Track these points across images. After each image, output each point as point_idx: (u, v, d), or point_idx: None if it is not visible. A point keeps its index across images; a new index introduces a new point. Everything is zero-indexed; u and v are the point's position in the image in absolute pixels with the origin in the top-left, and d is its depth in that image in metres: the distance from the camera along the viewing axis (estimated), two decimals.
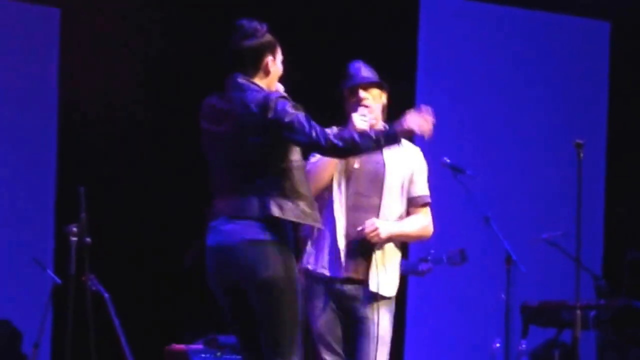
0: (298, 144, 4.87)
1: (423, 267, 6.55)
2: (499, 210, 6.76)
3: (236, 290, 4.98)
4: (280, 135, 4.83)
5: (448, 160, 6.16)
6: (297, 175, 4.93)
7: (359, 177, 5.49)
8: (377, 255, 5.42)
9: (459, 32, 9.21)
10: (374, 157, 5.47)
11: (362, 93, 5.48)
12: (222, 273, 4.99)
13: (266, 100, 4.86)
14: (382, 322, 5.43)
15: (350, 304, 5.42)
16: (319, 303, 5.46)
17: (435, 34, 9.16)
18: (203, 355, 7.39)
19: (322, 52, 8.39)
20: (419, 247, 6.76)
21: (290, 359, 4.98)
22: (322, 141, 4.83)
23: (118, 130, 8.63)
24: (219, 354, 7.39)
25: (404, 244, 5.65)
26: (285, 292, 4.92)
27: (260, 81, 4.98)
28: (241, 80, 4.94)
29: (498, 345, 7.34)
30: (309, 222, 4.98)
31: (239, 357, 6.63)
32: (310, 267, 5.45)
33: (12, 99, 8.52)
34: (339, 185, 5.49)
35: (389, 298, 5.44)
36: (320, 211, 5.26)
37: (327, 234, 5.46)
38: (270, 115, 4.82)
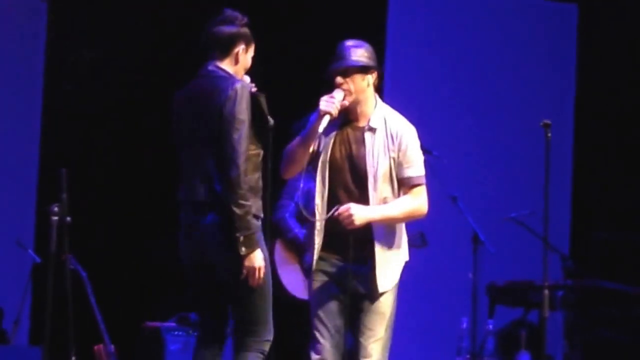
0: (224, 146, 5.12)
1: None
2: (467, 190, 6.86)
3: (208, 267, 5.18)
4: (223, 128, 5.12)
5: None
6: (247, 165, 5.14)
7: (343, 170, 5.44)
8: (380, 250, 5.42)
9: (426, 16, 9.27)
10: (356, 148, 5.43)
11: (339, 79, 5.38)
12: (196, 250, 5.19)
13: (229, 88, 5.09)
14: (385, 299, 5.46)
15: (355, 283, 5.43)
16: (318, 283, 5.49)
17: (403, 22, 9.19)
18: (176, 333, 7.53)
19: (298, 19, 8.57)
20: None
21: (264, 338, 5.18)
22: (233, 173, 5.07)
23: (99, 115, 8.68)
24: (190, 331, 7.46)
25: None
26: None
27: (228, 67, 5.19)
28: (211, 67, 5.17)
29: (465, 325, 7.35)
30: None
31: None
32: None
33: None
34: (322, 177, 5.44)
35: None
36: (309, 203, 5.49)
37: (311, 227, 5.50)
38: (226, 105, 5.07)
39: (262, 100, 5.13)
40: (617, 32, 9.26)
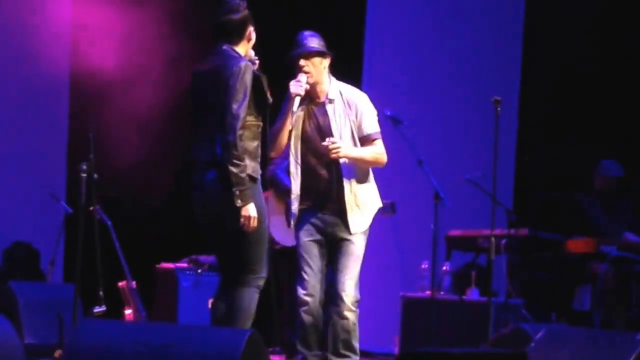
0: (225, 114, 5.28)
1: None
2: (430, 155, 7.00)
3: (214, 216, 5.42)
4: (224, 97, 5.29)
5: (389, 113, 6.43)
6: (246, 133, 5.33)
7: (312, 140, 5.83)
8: (349, 199, 5.83)
9: (399, 12, 9.38)
10: (322, 119, 5.81)
11: (302, 61, 5.78)
12: (203, 203, 5.42)
13: (234, 65, 5.31)
14: (358, 242, 5.91)
15: (332, 230, 5.88)
16: (303, 231, 5.92)
17: (381, 20, 9.30)
18: (187, 272, 7.89)
19: (285, 17, 8.53)
20: None
21: (259, 274, 5.43)
22: (231, 137, 5.21)
23: (122, 87, 8.75)
24: (199, 271, 7.86)
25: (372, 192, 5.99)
26: (257, 219, 5.37)
27: (241, 48, 5.47)
28: (225, 47, 5.45)
29: (426, 266, 7.80)
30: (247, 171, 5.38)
31: (215, 273, 7.26)
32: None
33: (28, 59, 8.73)
34: (295, 149, 5.84)
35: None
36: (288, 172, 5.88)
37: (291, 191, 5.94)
38: (231, 79, 5.28)
39: (264, 80, 5.39)
40: (556, 24, 9.26)
